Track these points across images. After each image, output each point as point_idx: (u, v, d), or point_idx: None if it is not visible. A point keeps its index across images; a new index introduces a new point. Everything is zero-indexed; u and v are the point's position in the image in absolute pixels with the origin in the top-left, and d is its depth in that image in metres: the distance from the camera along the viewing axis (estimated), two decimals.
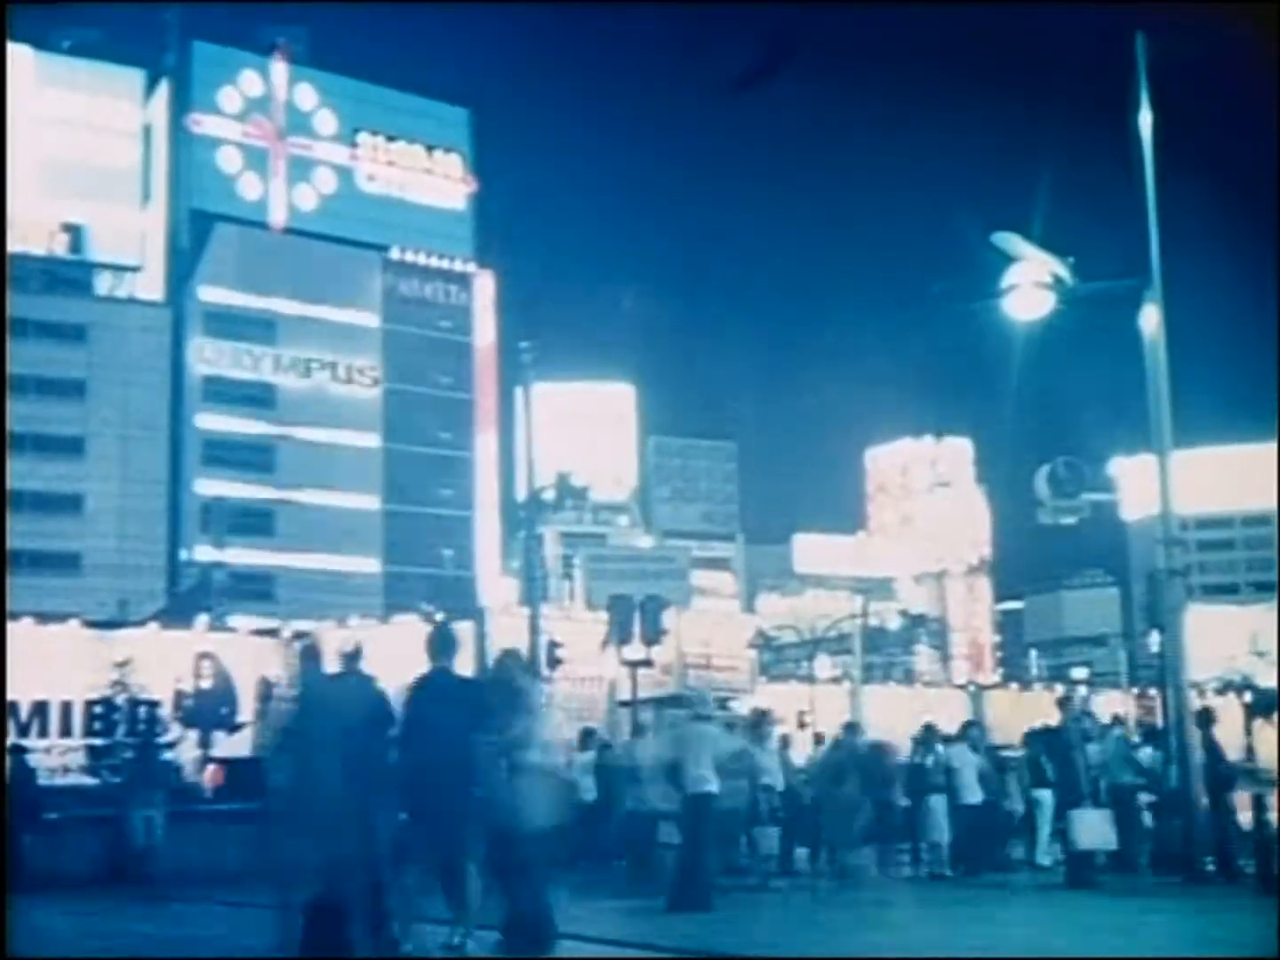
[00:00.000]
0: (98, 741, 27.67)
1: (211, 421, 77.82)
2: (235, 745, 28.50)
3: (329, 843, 10.68)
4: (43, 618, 31.13)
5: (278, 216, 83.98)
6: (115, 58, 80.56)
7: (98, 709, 27.89)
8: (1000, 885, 19.85)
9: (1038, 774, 21.22)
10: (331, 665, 12.35)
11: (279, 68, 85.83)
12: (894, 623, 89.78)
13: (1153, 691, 37.89)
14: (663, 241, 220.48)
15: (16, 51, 73.67)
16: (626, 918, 15.92)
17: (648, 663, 33.15)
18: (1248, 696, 47.14)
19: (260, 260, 79.58)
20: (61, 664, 29.32)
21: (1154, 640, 26.94)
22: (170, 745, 27.59)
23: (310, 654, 11.99)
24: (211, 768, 27.49)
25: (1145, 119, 19.84)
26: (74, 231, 78.47)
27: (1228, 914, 15.24)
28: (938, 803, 21.60)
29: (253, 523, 71.48)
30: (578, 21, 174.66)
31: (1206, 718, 19.70)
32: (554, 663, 33.38)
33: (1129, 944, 12.36)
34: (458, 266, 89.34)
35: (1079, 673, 76.21)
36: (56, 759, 27.63)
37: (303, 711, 11.68)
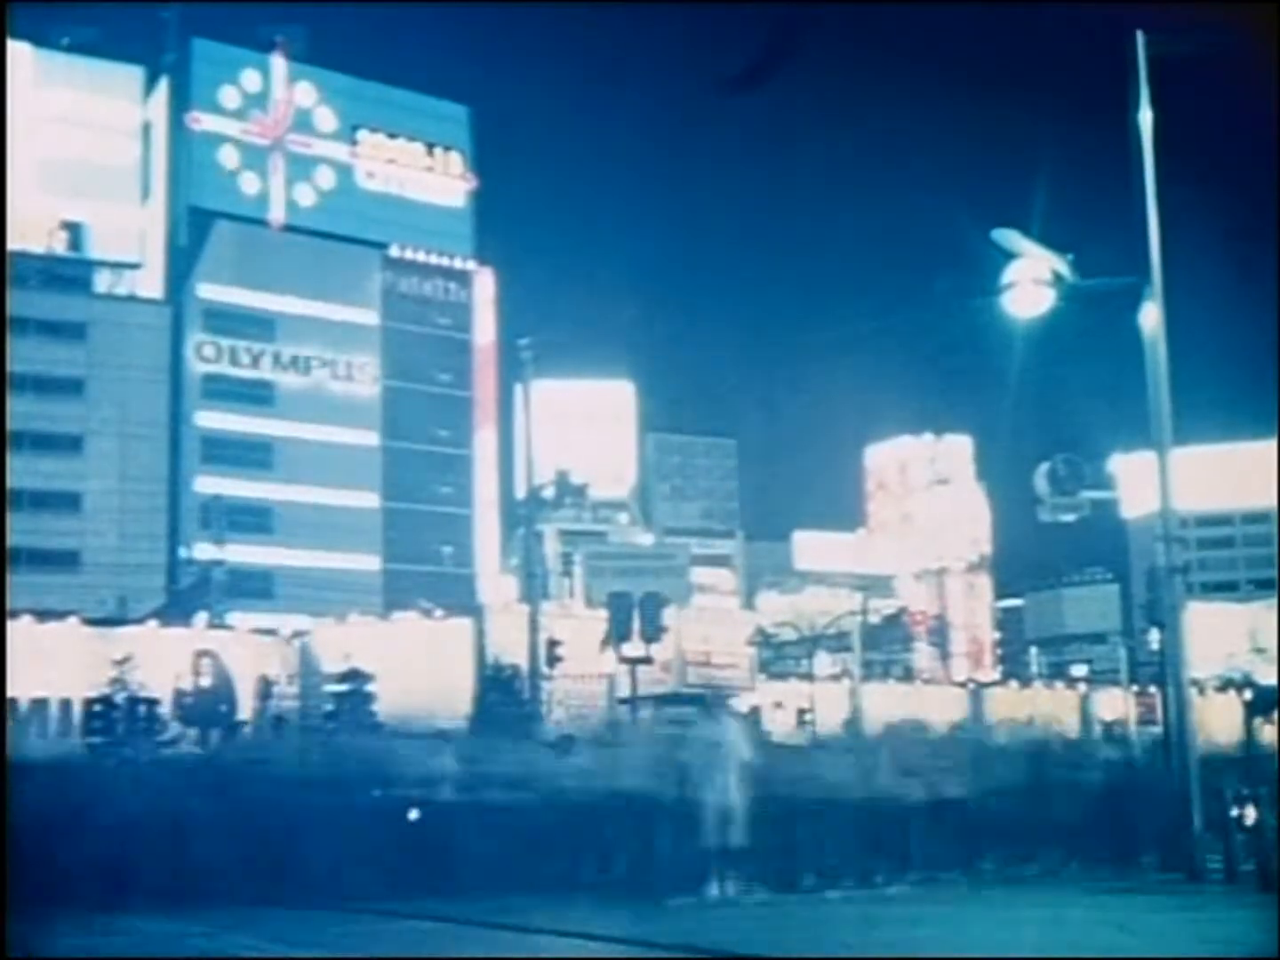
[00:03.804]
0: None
1: (211, 419, 77.79)
2: None
3: None
4: (42, 615, 31.21)
5: (277, 214, 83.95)
6: (114, 55, 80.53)
7: (97, 707, 27.92)
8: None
9: None
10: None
11: (278, 65, 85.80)
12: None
13: (1153, 689, 37.93)
14: (662, 239, 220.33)
15: (16, 49, 73.64)
16: (625, 915, 15.93)
17: (647, 660, 33.18)
18: (1248, 693, 47.24)
19: (260, 258, 79.57)
20: (61, 661, 29.37)
21: (1154, 637, 26.98)
22: (169, 743, 27.62)
23: None
24: None
25: (1145, 117, 19.82)
26: (73, 229, 78.44)
27: (1227, 913, 15.24)
28: None
29: (252, 520, 71.37)
30: (578, 18, 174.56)
31: None
32: (553, 660, 33.42)
33: (1129, 942, 12.35)
34: (457, 264, 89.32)
35: (1079, 670, 76.29)
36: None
37: None
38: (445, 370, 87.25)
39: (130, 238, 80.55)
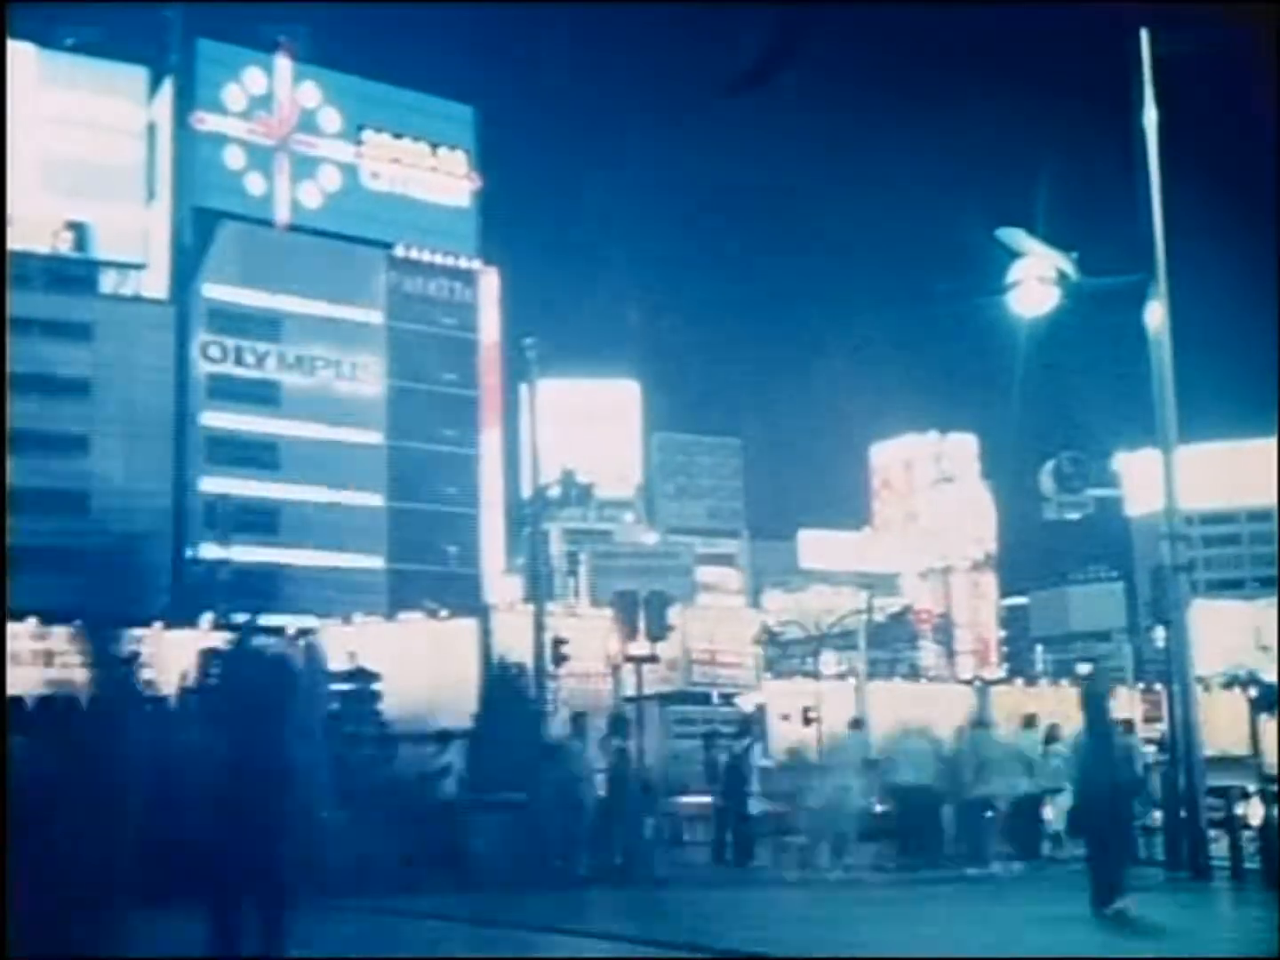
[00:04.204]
0: None
1: (216, 419, 77.78)
2: None
3: None
4: (47, 616, 31.19)
5: (282, 214, 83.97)
6: (118, 56, 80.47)
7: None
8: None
9: None
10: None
11: (283, 65, 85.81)
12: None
13: (1158, 686, 37.90)
14: (667, 238, 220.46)
15: (19, 50, 73.63)
16: (623, 912, 15.96)
17: (653, 659, 33.11)
18: (1253, 691, 47.15)
19: (265, 258, 79.55)
20: (65, 661, 29.37)
21: (1159, 635, 26.92)
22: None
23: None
24: None
25: (1149, 115, 19.81)
26: (78, 229, 78.45)
27: (1233, 910, 15.24)
28: None
29: (257, 520, 71.44)
30: (582, 18, 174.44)
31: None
32: (559, 659, 33.39)
33: (1134, 940, 12.36)
34: (462, 264, 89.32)
35: (1084, 668, 76.10)
36: None
37: None
38: (450, 370, 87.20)
39: (135, 238, 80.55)
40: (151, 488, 73.42)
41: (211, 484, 72.67)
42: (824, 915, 15.84)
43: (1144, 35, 19.75)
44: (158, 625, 33.89)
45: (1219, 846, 19.14)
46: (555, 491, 37.42)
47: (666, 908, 16.16)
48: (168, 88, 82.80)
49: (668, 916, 15.30)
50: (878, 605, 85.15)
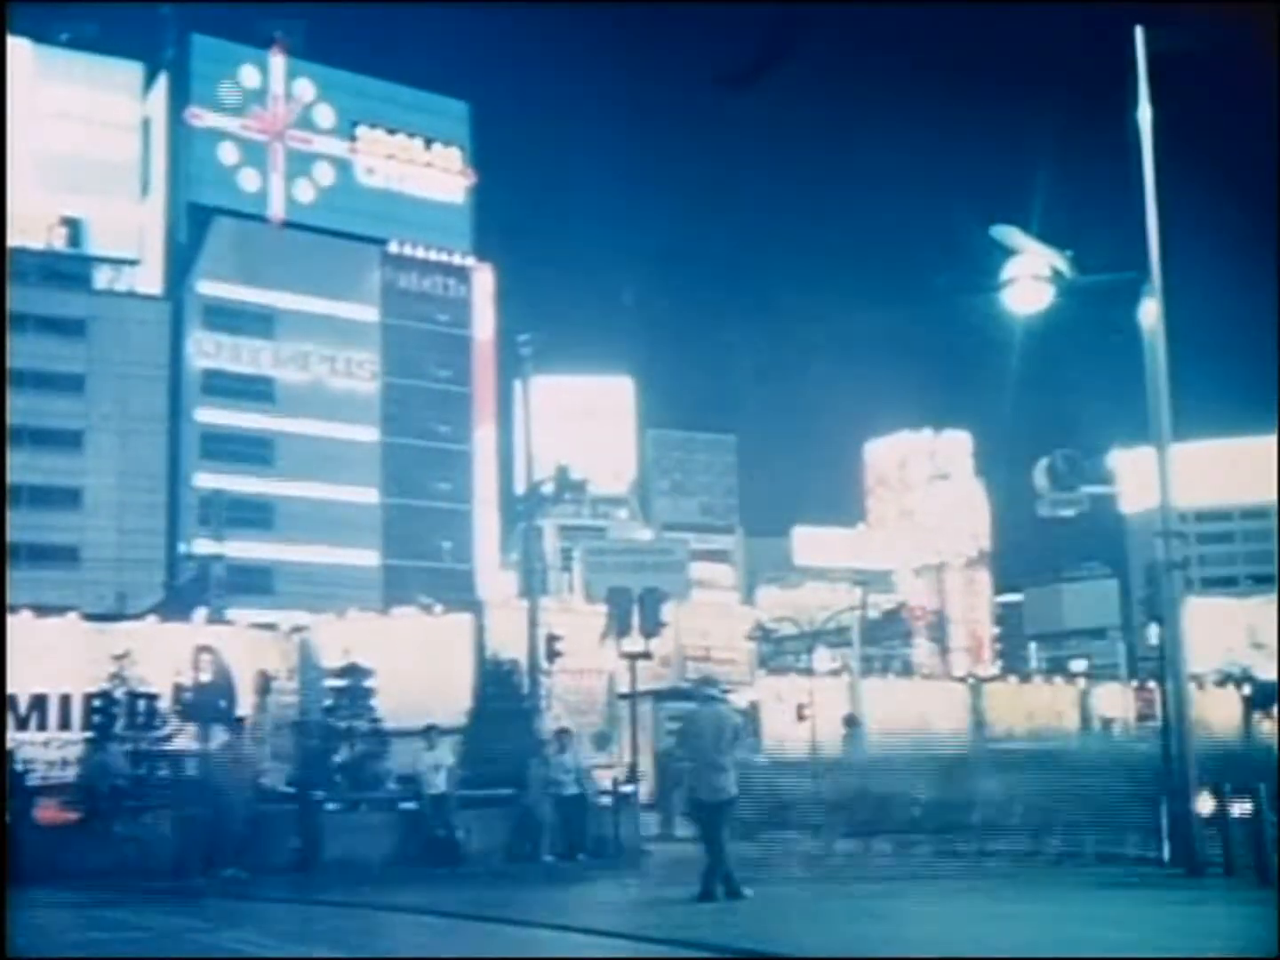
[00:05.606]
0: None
1: (210, 415, 77.83)
2: None
3: None
4: (41, 610, 31.19)
5: (276, 210, 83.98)
6: (114, 51, 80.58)
7: (96, 702, 27.89)
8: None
9: None
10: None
11: (277, 61, 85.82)
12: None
13: (1152, 684, 37.97)
14: (662, 235, 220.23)
15: (15, 45, 73.62)
16: (621, 910, 15.97)
17: (646, 655, 33.11)
18: (1246, 688, 47.30)
19: (259, 254, 79.58)
20: (60, 657, 29.38)
21: (1153, 633, 26.95)
22: (168, 738, 27.57)
23: None
24: None
25: (1144, 113, 19.81)
26: (73, 225, 78.47)
27: (1227, 908, 15.26)
28: None
29: (251, 516, 71.44)
30: (577, 14, 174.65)
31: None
32: (553, 655, 33.39)
33: (1128, 937, 12.37)
34: (456, 260, 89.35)
35: (1078, 665, 76.27)
36: (55, 752, 27.66)
37: None
38: (444, 366, 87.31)
39: (130, 234, 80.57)
40: (146, 483, 73.54)
41: (206, 479, 72.61)
42: (818, 912, 15.87)
43: (1139, 33, 19.75)
44: (152, 619, 33.93)
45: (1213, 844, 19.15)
46: (549, 488, 37.40)
47: (664, 903, 16.16)
48: (162, 83, 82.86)
49: (666, 912, 15.31)
50: (871, 601, 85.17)
